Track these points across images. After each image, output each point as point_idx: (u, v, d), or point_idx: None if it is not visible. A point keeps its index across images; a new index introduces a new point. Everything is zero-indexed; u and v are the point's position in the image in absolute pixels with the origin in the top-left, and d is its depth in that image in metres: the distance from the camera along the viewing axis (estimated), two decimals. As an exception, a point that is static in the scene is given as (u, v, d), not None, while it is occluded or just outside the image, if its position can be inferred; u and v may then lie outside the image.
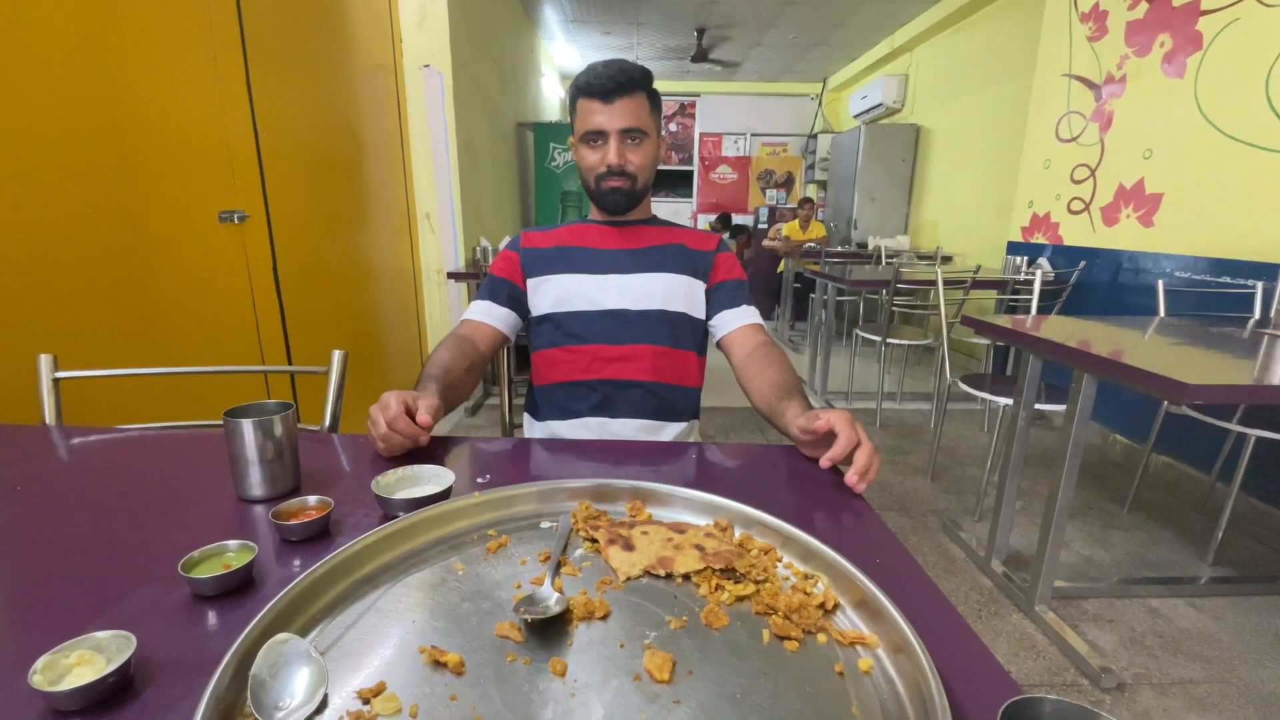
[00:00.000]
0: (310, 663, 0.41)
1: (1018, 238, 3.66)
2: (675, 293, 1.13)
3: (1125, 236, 2.94)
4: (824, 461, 0.74)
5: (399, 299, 3.13)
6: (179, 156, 1.72)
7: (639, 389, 1.09)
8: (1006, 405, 2.09)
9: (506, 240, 1.19)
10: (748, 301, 1.16)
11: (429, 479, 0.69)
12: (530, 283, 1.13)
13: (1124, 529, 2.23)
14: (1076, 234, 3.24)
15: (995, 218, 4.31)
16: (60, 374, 1.00)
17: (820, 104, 7.71)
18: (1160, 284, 2.36)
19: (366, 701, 0.40)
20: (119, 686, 0.41)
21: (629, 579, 0.54)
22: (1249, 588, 1.88)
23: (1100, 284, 3.09)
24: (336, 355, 1.03)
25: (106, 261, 1.55)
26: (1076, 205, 3.21)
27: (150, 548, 0.59)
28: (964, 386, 2.34)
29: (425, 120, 3.18)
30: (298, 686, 0.40)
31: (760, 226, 6.63)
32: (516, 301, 1.14)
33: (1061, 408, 1.73)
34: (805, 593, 0.52)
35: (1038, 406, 1.97)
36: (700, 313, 1.15)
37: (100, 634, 0.43)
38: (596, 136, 1.05)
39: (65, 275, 1.46)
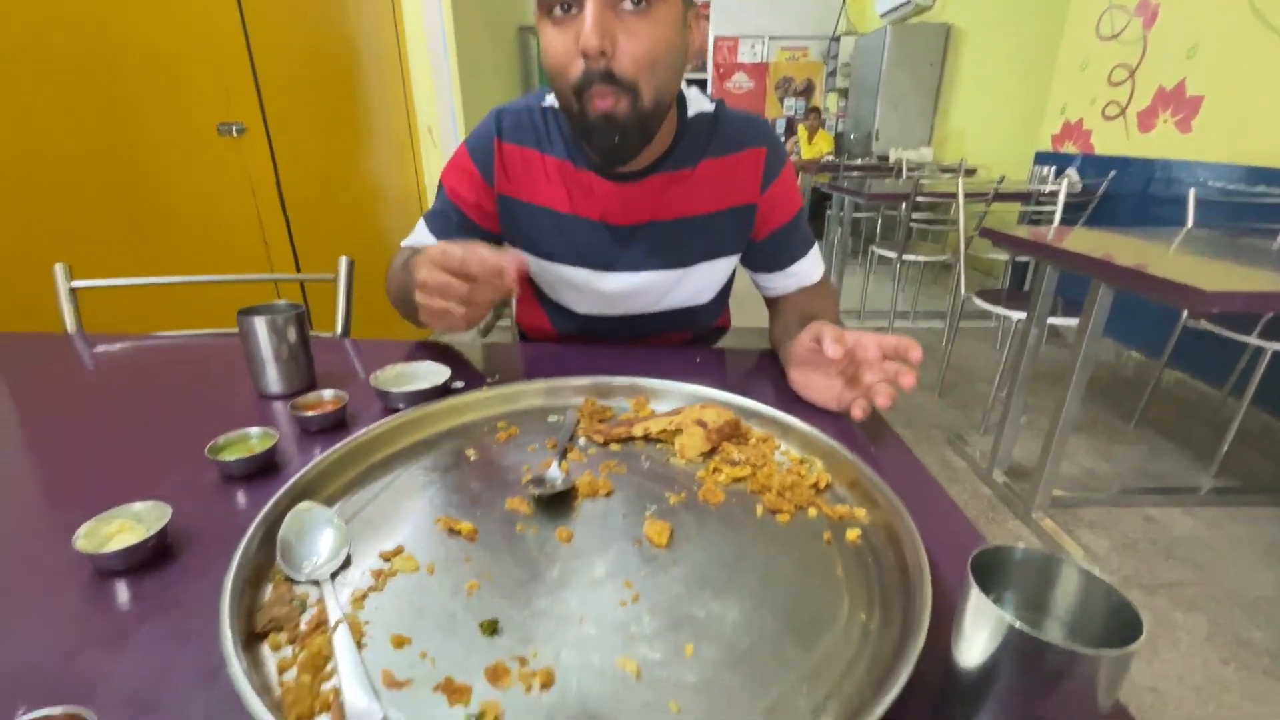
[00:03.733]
0: (333, 527, 0.44)
1: (1047, 147, 3.49)
2: (704, 286, 0.89)
3: (1160, 144, 2.80)
4: (830, 346, 0.59)
5: (404, 215, 3.09)
6: (172, 69, 1.67)
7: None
8: (1020, 320, 2.07)
9: (473, 132, 0.83)
10: (809, 244, 0.89)
11: (425, 376, 0.71)
12: (508, 242, 0.87)
13: (1128, 443, 2.25)
14: (1109, 142, 3.08)
15: (1024, 126, 4.09)
16: (76, 283, 1.01)
17: (844, 2, 7.19)
18: (1191, 193, 2.27)
19: (387, 560, 0.43)
20: (158, 551, 0.45)
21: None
22: (1249, 499, 1.91)
23: (1129, 195, 2.97)
24: (343, 261, 1.03)
25: (112, 178, 1.54)
26: (1112, 110, 3.04)
27: (178, 436, 0.62)
28: (979, 301, 2.31)
29: (423, 28, 3.03)
30: (322, 547, 0.43)
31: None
32: (481, 235, 0.85)
33: (1075, 321, 1.71)
34: (799, 474, 0.54)
35: (1051, 320, 1.95)
36: (730, 274, 0.92)
37: (138, 505, 0.47)
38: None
39: (74, 192, 1.46)
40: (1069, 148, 3.34)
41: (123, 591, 0.42)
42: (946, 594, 0.41)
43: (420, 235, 0.86)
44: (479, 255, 0.59)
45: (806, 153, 5.33)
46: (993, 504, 1.90)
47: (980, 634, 0.29)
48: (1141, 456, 2.17)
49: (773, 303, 0.93)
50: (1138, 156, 2.92)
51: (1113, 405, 2.54)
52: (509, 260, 0.58)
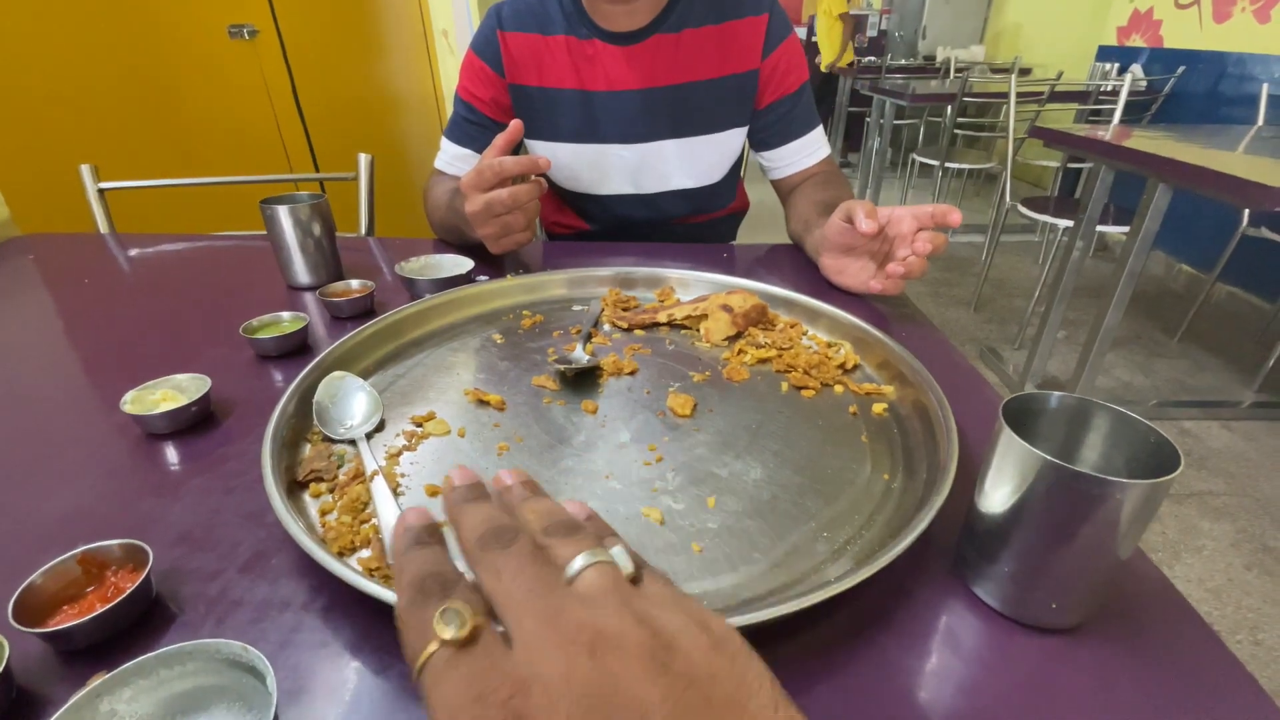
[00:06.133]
0: (366, 393, 0.45)
1: (1111, 41, 3.20)
2: (715, 160, 0.90)
3: (1236, 35, 2.54)
4: (864, 221, 0.59)
5: (422, 119, 3.01)
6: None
7: (667, 232, 0.97)
8: (1067, 229, 1.97)
9: (475, 35, 0.85)
10: (813, 122, 0.89)
11: (450, 266, 0.70)
12: (525, 133, 0.87)
13: (1170, 357, 2.18)
14: (1180, 34, 2.80)
15: (1088, 18, 3.74)
16: (104, 184, 1.02)
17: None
18: (1264, 89, 2.07)
19: (419, 425, 0.44)
20: (201, 416, 0.47)
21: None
22: (1291, 413, 1.86)
23: (1197, 94, 2.73)
24: (363, 159, 1.01)
25: (128, 81, 1.52)
26: (1187, -3, 2.75)
27: (213, 321, 0.64)
28: (1024, 210, 2.19)
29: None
30: (356, 410, 0.44)
31: (813, 40, 5.94)
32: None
33: (1126, 229, 1.62)
34: (826, 356, 0.53)
35: (1101, 229, 1.85)
36: (740, 149, 0.92)
37: (179, 376, 0.48)
38: None
39: (91, 97, 1.45)
40: (1136, 41, 3.05)
41: (170, 451, 0.44)
42: (971, 456, 0.40)
43: (446, 151, 0.88)
44: (508, 159, 0.63)
45: (826, 54, 4.73)
46: (1021, 417, 1.88)
47: (1009, 475, 0.28)
48: (1182, 371, 2.10)
49: (786, 195, 0.92)
50: (1210, 50, 2.65)
51: (1157, 319, 2.45)
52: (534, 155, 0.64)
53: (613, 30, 0.80)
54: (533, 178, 0.67)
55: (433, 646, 0.16)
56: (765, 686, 0.16)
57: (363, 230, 1.03)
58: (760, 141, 0.90)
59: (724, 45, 0.82)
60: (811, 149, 0.88)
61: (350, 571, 0.29)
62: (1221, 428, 1.80)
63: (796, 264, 0.77)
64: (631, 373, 0.52)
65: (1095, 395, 1.44)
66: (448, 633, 0.16)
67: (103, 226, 1.01)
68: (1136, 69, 2.98)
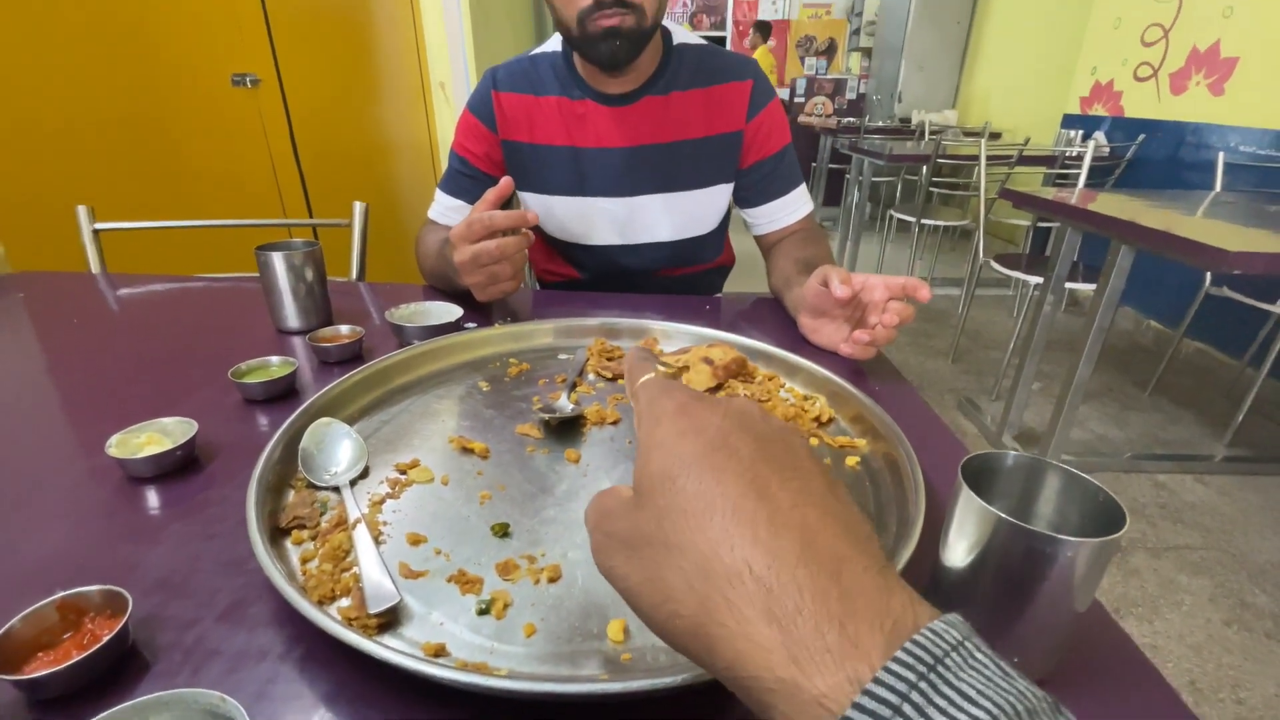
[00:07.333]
0: (351, 439, 0.46)
1: (1075, 110, 3.38)
2: (703, 214, 0.93)
3: (1192, 106, 2.70)
4: (838, 287, 0.62)
5: (416, 168, 3.08)
6: (186, 18, 1.67)
7: (655, 283, 1.00)
8: (1038, 285, 2.04)
9: (471, 95, 0.90)
10: (796, 181, 0.93)
11: (439, 314, 0.72)
12: (516, 187, 0.91)
13: (1142, 410, 2.24)
14: (1139, 104, 2.98)
15: (1053, 88, 3.96)
16: (99, 225, 1.03)
17: (871, -41, 6.91)
18: (1220, 157, 2.20)
19: (403, 472, 0.45)
20: (186, 460, 0.47)
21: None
22: (1263, 468, 1.90)
23: (1158, 160, 2.88)
24: (358, 206, 1.04)
25: (131, 126, 1.55)
26: (1144, 71, 2.93)
27: (202, 364, 0.64)
28: (996, 266, 2.28)
29: (436, -17, 2.96)
30: (341, 457, 0.45)
31: (797, 100, 6.20)
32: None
33: (1094, 287, 1.68)
34: (802, 408, 0.55)
35: (1070, 285, 1.92)
36: (725, 206, 0.96)
37: (165, 419, 0.49)
38: None
39: (94, 140, 1.48)
40: (1098, 110, 3.23)
41: (152, 495, 0.44)
42: (940, 510, 0.42)
43: (440, 202, 0.92)
44: (497, 213, 0.66)
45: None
46: (1001, 468, 1.91)
47: (968, 531, 0.30)
48: (1155, 424, 2.15)
49: (768, 250, 0.95)
50: (1168, 120, 2.82)
51: (1129, 373, 2.52)
52: (523, 210, 0.67)
53: (605, 93, 0.85)
54: (521, 231, 0.69)
55: (653, 374, 0.28)
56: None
57: (354, 275, 1.04)
58: (744, 199, 0.94)
59: (710, 108, 0.87)
60: (793, 207, 0.93)
61: (329, 621, 0.30)
62: (1195, 481, 1.83)
63: (777, 318, 0.80)
64: (614, 422, 0.53)
65: (1070, 448, 1.46)
66: (665, 370, 0.30)
67: (95, 267, 1.02)
68: (1100, 136, 3.15)
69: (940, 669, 0.15)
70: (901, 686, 0.14)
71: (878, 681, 0.15)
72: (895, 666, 0.15)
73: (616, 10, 0.73)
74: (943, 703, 0.14)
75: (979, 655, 0.16)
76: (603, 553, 0.23)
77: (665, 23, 0.86)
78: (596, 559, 0.23)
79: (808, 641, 0.16)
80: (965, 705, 0.14)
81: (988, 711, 0.14)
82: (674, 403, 0.24)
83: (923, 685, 0.14)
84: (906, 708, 0.14)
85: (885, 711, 0.14)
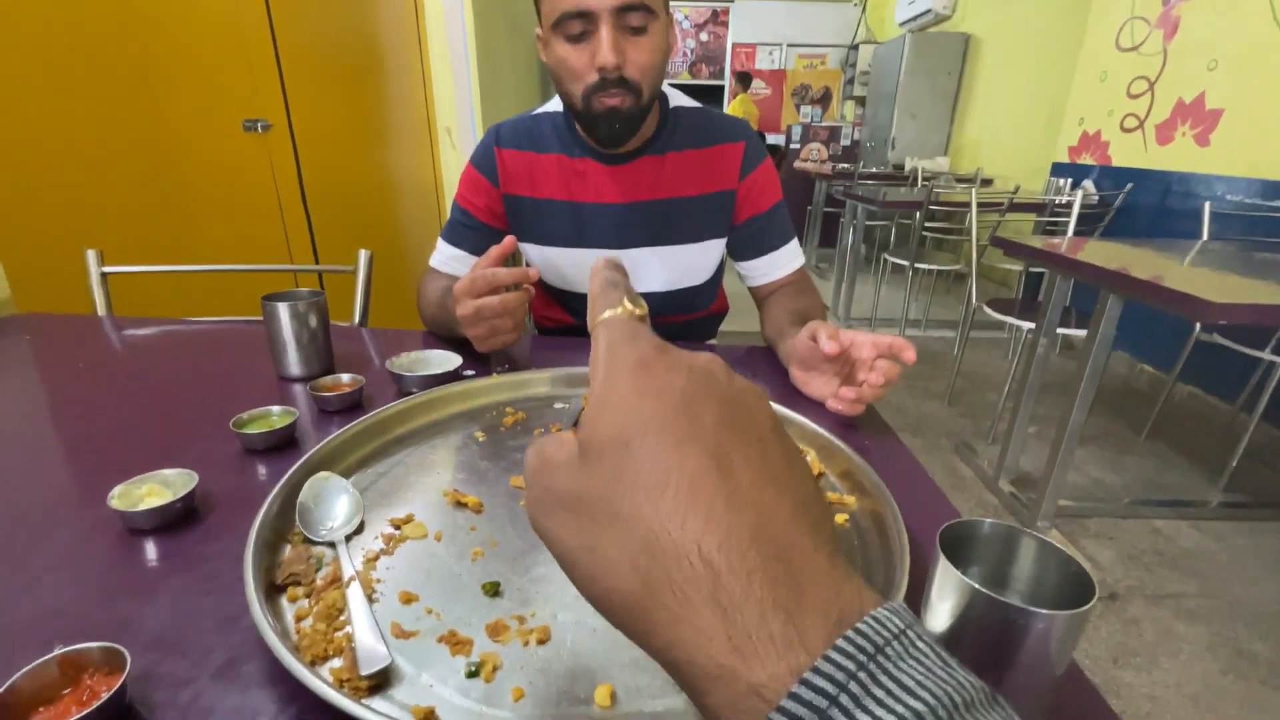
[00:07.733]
0: (348, 494, 0.47)
1: (1064, 159, 3.48)
2: (697, 266, 0.96)
3: (1178, 156, 2.78)
4: (826, 343, 0.64)
5: (421, 213, 3.14)
6: (199, 65, 1.73)
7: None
8: (1031, 330, 2.07)
9: (475, 150, 0.93)
10: (787, 237, 0.96)
11: (438, 362, 0.74)
12: (517, 238, 0.90)
13: (1138, 455, 2.24)
14: (1127, 154, 3.07)
15: (1042, 137, 4.08)
16: (107, 269, 1.06)
17: (864, 10, 7.20)
18: (1207, 206, 2.26)
19: (398, 527, 0.46)
20: (186, 512, 0.48)
21: None
22: (1258, 513, 1.89)
23: (1146, 208, 2.95)
24: (363, 254, 1.07)
25: (142, 170, 1.60)
26: (1130, 122, 3.03)
27: (203, 412, 0.66)
28: (989, 311, 2.31)
29: (444, 33, 3.08)
30: (338, 512, 0.46)
31: (792, 146, 6.36)
32: (494, 236, 0.89)
33: (1086, 333, 1.71)
34: (794, 463, 0.56)
35: (1063, 331, 1.95)
36: (719, 259, 0.99)
37: (167, 471, 0.50)
38: (578, 20, 0.73)
39: (105, 184, 1.52)
40: (1086, 159, 3.33)
41: (152, 548, 0.45)
42: (925, 570, 0.42)
43: (442, 251, 0.95)
44: (500, 270, 0.69)
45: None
46: (998, 513, 1.90)
47: (946, 599, 0.31)
48: (1151, 469, 2.15)
49: (761, 300, 0.98)
50: (1155, 169, 2.90)
51: (1124, 418, 2.53)
52: (524, 267, 0.70)
53: (604, 152, 0.89)
54: (523, 287, 0.72)
55: (620, 310, 0.27)
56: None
57: (356, 320, 1.06)
58: (737, 253, 0.98)
59: (705, 167, 0.91)
60: (785, 261, 0.96)
61: (321, 684, 0.30)
62: (1191, 527, 1.83)
63: (770, 367, 0.81)
64: (607, 476, 0.54)
65: (1068, 492, 1.47)
66: (632, 309, 0.28)
67: (101, 309, 1.04)
68: (1088, 184, 3.23)
69: (880, 658, 0.15)
70: (840, 676, 0.14)
71: (815, 671, 0.14)
72: (835, 655, 0.15)
73: (618, 91, 0.76)
74: (880, 693, 0.14)
75: (919, 644, 0.16)
76: (539, 508, 0.21)
77: (664, 86, 0.90)
78: (531, 514, 0.22)
79: (751, 630, 0.16)
80: (903, 696, 0.14)
81: (924, 702, 0.14)
82: (635, 353, 0.22)
83: (861, 675, 0.14)
84: (843, 698, 0.14)
85: (821, 702, 0.14)
